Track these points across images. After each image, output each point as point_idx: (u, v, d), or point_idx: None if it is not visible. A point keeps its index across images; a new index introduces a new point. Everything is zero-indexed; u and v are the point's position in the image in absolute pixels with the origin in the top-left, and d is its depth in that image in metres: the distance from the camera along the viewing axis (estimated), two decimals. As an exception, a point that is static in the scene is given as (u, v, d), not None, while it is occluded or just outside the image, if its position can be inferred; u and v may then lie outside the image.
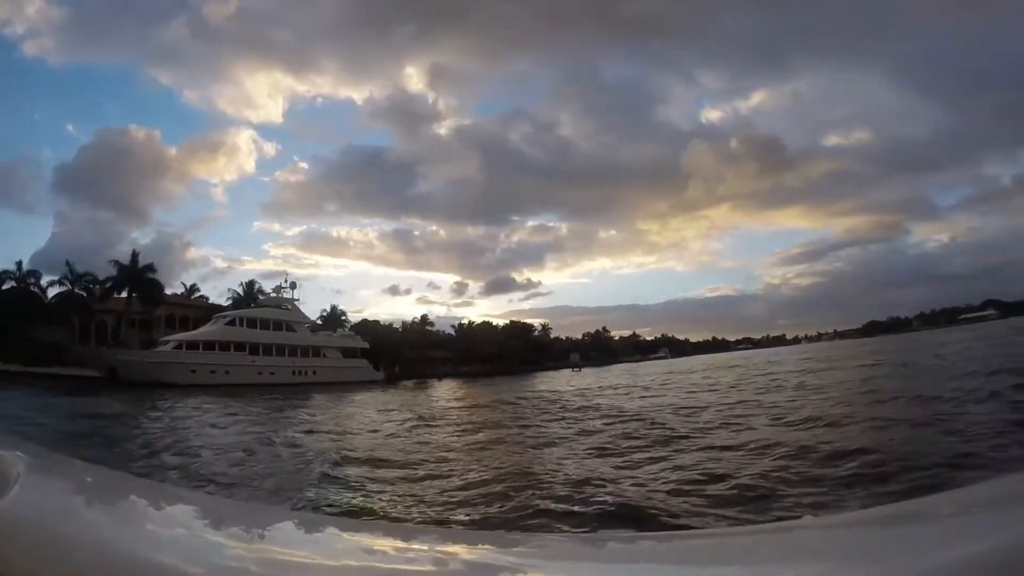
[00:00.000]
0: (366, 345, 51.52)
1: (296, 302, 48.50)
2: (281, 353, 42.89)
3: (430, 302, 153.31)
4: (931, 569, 0.78)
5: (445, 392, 30.99)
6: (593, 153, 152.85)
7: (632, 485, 5.45)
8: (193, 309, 48.41)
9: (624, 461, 6.82)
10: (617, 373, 45.13)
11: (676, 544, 1.32)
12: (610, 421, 10.99)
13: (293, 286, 49.54)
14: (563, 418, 12.52)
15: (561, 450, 8.07)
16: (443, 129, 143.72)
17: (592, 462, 6.97)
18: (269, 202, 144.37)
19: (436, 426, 12.42)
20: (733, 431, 8.76)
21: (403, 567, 1.06)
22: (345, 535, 1.27)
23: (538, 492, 5.16)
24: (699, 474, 5.72)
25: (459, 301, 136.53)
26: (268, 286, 54.28)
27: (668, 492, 5.09)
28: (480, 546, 1.24)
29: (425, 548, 1.17)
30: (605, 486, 5.30)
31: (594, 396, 18.76)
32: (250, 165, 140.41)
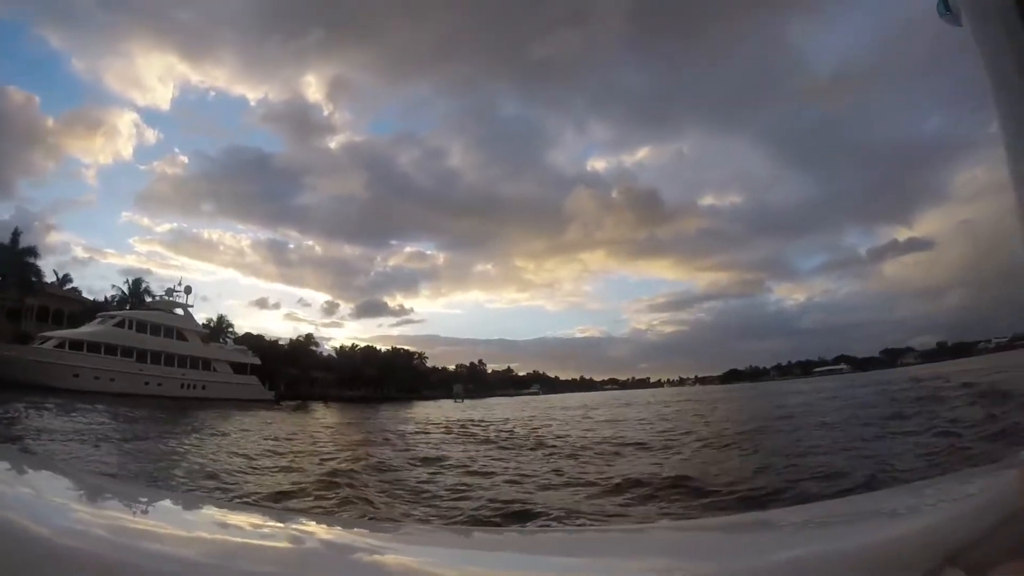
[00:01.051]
0: (257, 361, 50.43)
1: (190, 308, 46.74)
2: (171, 363, 41.01)
3: (299, 319, 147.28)
4: (762, 570, 0.94)
5: (342, 420, 31.26)
6: (478, 186, 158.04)
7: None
8: (69, 303, 44.38)
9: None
10: (505, 406, 46.96)
11: (537, 538, 1.53)
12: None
13: (188, 290, 47.57)
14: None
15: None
16: (334, 143, 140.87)
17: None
18: (142, 193, 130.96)
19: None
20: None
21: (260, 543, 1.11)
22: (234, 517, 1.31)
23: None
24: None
25: (328, 321, 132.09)
26: (123, 281, 51.16)
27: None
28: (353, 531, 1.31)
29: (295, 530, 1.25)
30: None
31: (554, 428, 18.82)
32: (128, 150, 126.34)
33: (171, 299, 46.56)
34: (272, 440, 15.83)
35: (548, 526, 5.19)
